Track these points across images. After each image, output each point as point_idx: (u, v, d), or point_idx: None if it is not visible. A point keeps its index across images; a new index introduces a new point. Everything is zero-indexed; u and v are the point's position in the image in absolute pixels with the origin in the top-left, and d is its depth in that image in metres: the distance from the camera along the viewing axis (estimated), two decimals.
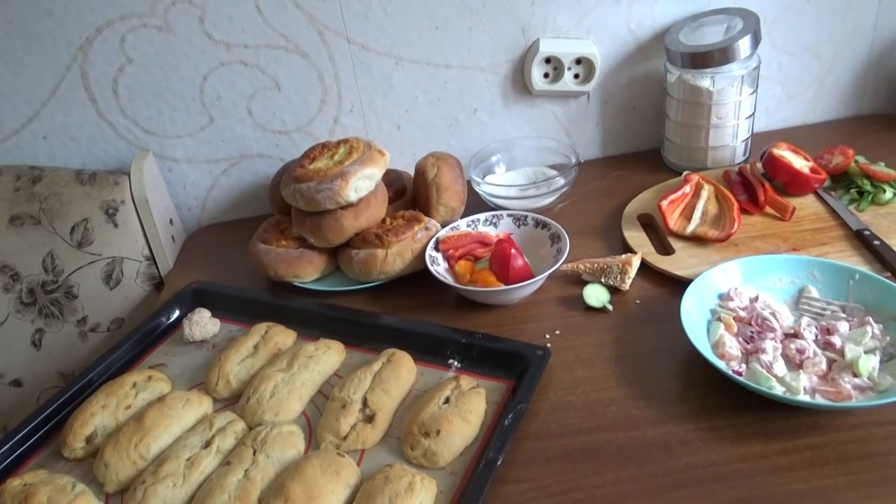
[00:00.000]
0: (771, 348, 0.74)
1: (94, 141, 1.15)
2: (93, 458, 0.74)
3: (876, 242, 0.88)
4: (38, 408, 0.82)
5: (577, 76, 1.17)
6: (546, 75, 1.16)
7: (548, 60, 1.15)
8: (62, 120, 1.13)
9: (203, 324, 0.92)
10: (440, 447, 0.69)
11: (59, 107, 1.11)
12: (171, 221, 1.19)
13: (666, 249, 0.96)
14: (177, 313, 0.98)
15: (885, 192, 0.98)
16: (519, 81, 1.18)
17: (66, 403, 0.83)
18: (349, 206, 0.95)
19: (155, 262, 1.14)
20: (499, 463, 0.66)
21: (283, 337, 0.88)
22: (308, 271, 0.98)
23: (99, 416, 0.77)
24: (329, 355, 0.83)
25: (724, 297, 0.82)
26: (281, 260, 0.98)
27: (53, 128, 1.13)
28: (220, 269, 1.10)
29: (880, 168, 1.00)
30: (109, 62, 1.09)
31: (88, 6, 1.04)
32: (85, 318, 1.12)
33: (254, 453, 0.70)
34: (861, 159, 1.03)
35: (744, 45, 1.03)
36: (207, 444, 0.72)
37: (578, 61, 1.15)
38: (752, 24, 1.05)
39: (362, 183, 0.94)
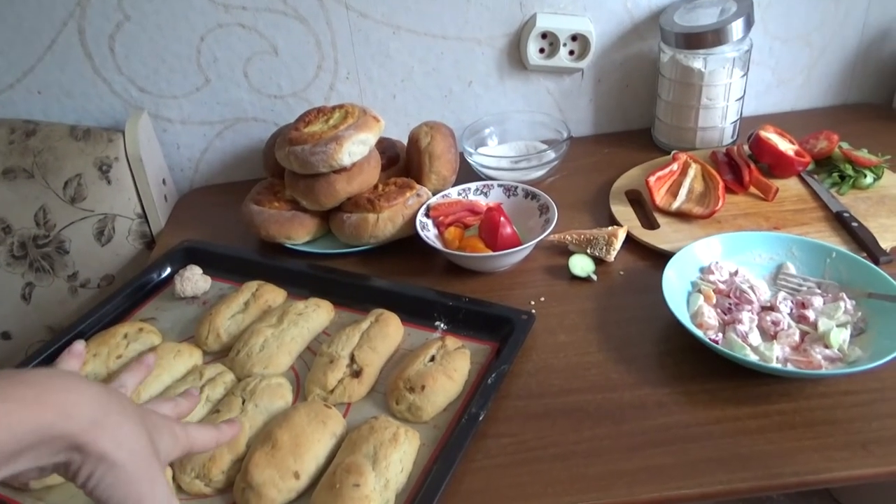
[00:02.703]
0: (747, 319, 0.77)
1: (88, 98, 1.15)
2: None
3: (854, 224, 0.91)
4: (29, 356, 0.83)
5: (572, 53, 1.18)
6: (542, 50, 1.18)
7: (544, 36, 1.16)
8: (57, 75, 1.13)
9: (194, 280, 0.93)
10: (424, 402, 0.71)
11: (55, 62, 1.11)
12: (164, 181, 1.19)
13: (651, 224, 0.98)
14: (168, 270, 0.99)
15: (865, 176, 1.00)
16: (514, 55, 1.19)
17: (57, 353, 0.84)
18: (342, 170, 0.96)
19: (147, 221, 1.14)
20: (481, 418, 0.68)
21: (274, 295, 0.90)
22: (300, 233, 1.00)
23: (91, 363, 0.78)
24: (318, 313, 0.85)
25: (705, 271, 0.84)
26: (273, 221, 0.99)
27: (48, 83, 1.13)
28: (211, 230, 1.11)
29: (863, 154, 1.03)
30: (107, 19, 1.08)
31: None
32: (75, 273, 1.13)
33: (243, 402, 0.72)
34: (845, 145, 1.06)
35: (737, 27, 1.05)
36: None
37: (574, 38, 1.16)
38: (745, 8, 1.07)
39: (356, 148, 0.95)
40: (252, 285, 0.90)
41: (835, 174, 1.02)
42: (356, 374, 0.75)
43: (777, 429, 0.67)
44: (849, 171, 1.01)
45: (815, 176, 1.04)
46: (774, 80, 1.26)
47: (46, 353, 0.84)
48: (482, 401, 0.70)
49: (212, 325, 0.84)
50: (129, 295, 0.94)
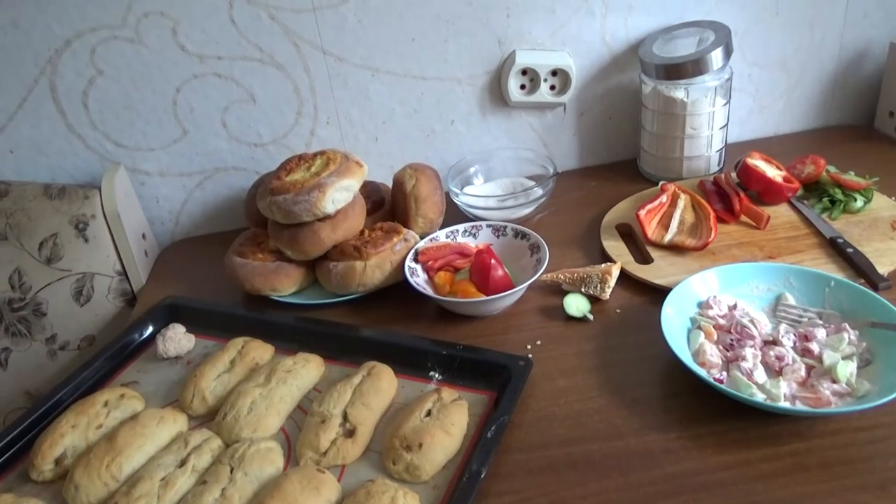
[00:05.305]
0: (750, 355, 0.74)
1: (63, 155, 1.13)
2: (62, 481, 0.72)
3: (849, 250, 0.90)
4: (5, 429, 0.79)
5: (553, 87, 1.17)
6: (522, 87, 1.17)
7: (524, 72, 1.15)
8: (30, 133, 1.10)
9: (177, 339, 0.89)
10: (422, 461, 0.68)
11: (27, 120, 1.09)
12: (143, 236, 1.16)
13: (645, 258, 0.96)
14: (150, 329, 0.95)
15: (856, 200, 1.00)
16: (496, 93, 1.18)
17: (35, 424, 0.80)
18: (327, 218, 0.94)
19: (127, 278, 1.11)
20: (482, 476, 0.65)
21: (261, 351, 0.86)
22: (285, 285, 0.97)
23: (69, 436, 0.74)
24: (308, 369, 0.82)
25: (704, 306, 0.82)
26: (257, 273, 0.96)
27: (21, 141, 1.11)
28: (194, 283, 1.08)
29: (850, 177, 1.02)
30: (79, 74, 1.06)
31: (56, 18, 1.02)
32: (54, 335, 1.09)
33: (231, 471, 0.68)
34: (832, 168, 1.05)
35: (716, 56, 1.05)
36: (183, 463, 0.70)
37: (554, 73, 1.16)
38: (723, 37, 1.07)
39: (340, 195, 0.93)
40: (238, 342, 0.87)
41: (825, 199, 1.01)
42: (350, 433, 0.72)
43: (790, 472, 0.64)
44: (838, 195, 1.00)
45: (805, 201, 1.03)
46: (756, 106, 1.26)
47: (27, 420, 0.80)
48: (483, 456, 0.67)
49: (197, 387, 0.80)
50: (110, 357, 0.90)
